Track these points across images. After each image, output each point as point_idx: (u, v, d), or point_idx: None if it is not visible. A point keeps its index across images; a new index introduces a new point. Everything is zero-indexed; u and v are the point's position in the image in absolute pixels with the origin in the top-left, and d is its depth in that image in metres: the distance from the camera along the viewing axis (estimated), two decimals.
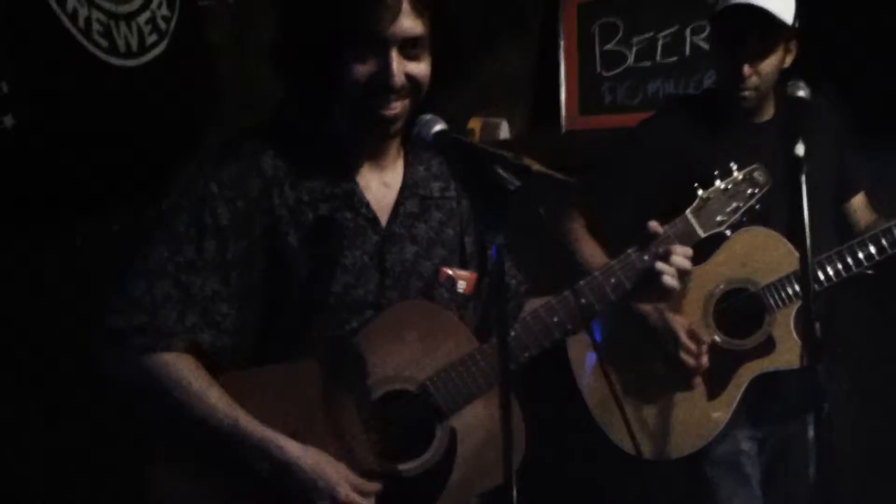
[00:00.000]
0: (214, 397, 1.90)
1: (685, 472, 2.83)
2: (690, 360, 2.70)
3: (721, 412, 2.75)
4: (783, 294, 2.72)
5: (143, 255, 1.93)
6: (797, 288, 2.70)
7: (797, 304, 2.71)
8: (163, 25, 3.42)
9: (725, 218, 2.13)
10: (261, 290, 1.95)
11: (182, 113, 3.42)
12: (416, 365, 1.98)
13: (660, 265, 2.05)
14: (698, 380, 2.75)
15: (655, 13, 3.87)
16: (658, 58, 3.89)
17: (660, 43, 3.89)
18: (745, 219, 2.15)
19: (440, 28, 1.92)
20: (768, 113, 2.82)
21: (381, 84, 1.88)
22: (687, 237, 2.10)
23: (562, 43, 3.96)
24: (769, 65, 2.70)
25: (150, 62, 3.35)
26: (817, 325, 2.22)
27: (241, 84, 3.47)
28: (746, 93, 2.72)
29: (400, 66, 1.88)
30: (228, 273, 1.92)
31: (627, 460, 2.82)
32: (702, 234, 2.11)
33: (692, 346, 2.70)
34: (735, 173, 2.15)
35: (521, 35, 4.04)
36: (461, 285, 2.07)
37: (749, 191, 2.14)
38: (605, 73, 3.95)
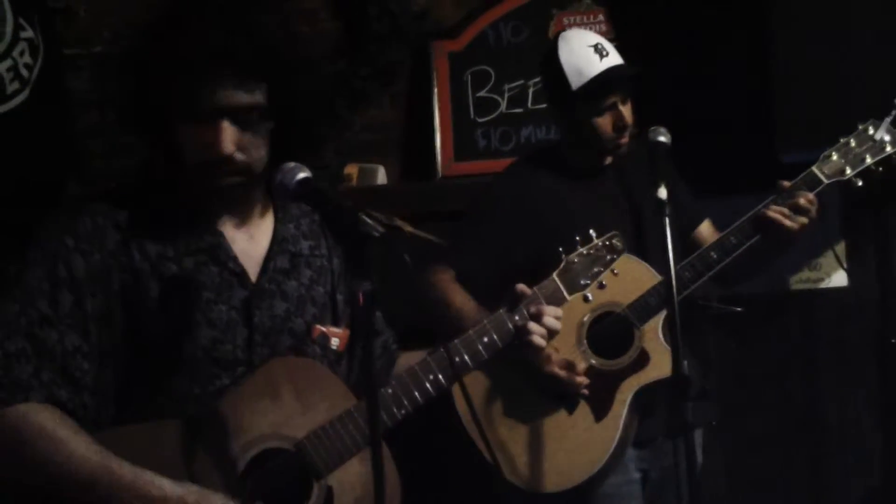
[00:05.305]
0: (82, 443, 1.81)
1: None
2: (562, 372, 2.76)
3: (610, 431, 2.82)
4: (647, 309, 2.83)
5: None
6: (657, 300, 2.80)
7: (660, 316, 2.82)
8: (25, 73, 3.34)
9: (588, 281, 2.23)
10: (122, 347, 1.89)
11: (43, 162, 3.33)
12: (293, 423, 1.95)
13: (531, 325, 2.13)
14: (582, 403, 2.81)
15: (525, 61, 3.94)
16: (529, 104, 3.98)
17: (530, 90, 3.98)
18: (604, 283, 2.26)
19: (279, 97, 1.90)
20: (608, 158, 2.97)
21: (212, 154, 1.86)
22: (555, 299, 2.18)
23: (435, 90, 4.00)
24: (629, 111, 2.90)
25: (11, 111, 3.27)
26: (685, 363, 2.39)
27: (105, 134, 3.40)
28: (625, 140, 2.89)
29: (230, 136, 1.86)
30: (87, 327, 1.87)
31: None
32: (567, 296, 2.21)
33: (560, 360, 2.77)
34: (595, 240, 2.25)
35: (395, 83, 4.07)
36: (334, 342, 2.06)
37: (608, 256, 2.24)
38: (478, 120, 4.00)
